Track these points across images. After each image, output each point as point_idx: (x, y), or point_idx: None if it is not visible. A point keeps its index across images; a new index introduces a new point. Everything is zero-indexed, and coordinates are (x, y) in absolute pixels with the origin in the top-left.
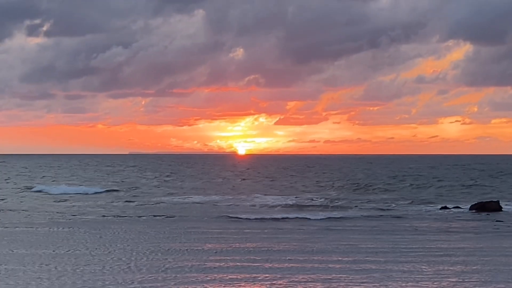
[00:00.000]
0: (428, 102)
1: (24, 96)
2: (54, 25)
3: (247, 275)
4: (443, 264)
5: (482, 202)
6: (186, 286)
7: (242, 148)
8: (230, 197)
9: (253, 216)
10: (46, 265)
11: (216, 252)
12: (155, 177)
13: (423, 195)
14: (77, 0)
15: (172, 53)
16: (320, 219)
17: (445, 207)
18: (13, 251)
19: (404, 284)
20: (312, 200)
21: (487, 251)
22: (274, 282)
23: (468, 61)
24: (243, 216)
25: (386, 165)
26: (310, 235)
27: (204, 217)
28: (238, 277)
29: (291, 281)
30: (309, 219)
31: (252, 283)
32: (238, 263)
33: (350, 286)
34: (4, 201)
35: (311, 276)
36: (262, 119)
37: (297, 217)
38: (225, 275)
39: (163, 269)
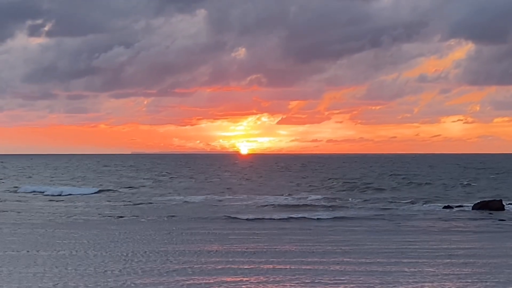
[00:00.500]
0: (430, 101)
1: (26, 96)
2: (56, 25)
3: (249, 278)
4: (449, 266)
5: (485, 201)
6: None
7: (244, 148)
8: (228, 197)
9: (252, 216)
10: (40, 266)
11: (216, 254)
12: (151, 177)
13: (425, 194)
14: (79, 0)
15: (174, 53)
16: (319, 218)
17: (448, 206)
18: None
19: (411, 287)
20: (312, 199)
21: (491, 251)
22: (277, 284)
23: (470, 60)
24: (242, 216)
25: (388, 164)
26: (312, 236)
27: (200, 217)
28: (242, 279)
29: (293, 283)
30: (311, 219)
31: (256, 285)
32: (240, 265)
33: None
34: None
35: (315, 277)
36: (265, 118)
37: (298, 217)
38: (226, 278)
39: (163, 271)
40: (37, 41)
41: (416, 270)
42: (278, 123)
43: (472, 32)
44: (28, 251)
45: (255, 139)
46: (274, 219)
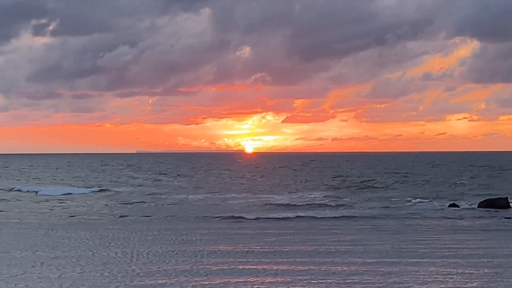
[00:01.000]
0: (435, 99)
1: (31, 95)
2: (61, 25)
3: (256, 279)
4: (457, 266)
5: (490, 199)
6: None
7: (249, 147)
8: (231, 196)
9: (258, 216)
10: (34, 267)
11: (224, 254)
12: (150, 176)
13: (430, 192)
14: None
15: (178, 52)
16: (325, 217)
17: (454, 205)
18: None
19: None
20: (316, 198)
21: (498, 250)
22: (293, 285)
23: (475, 58)
24: (249, 216)
25: (393, 162)
26: (320, 236)
27: (204, 217)
28: (247, 280)
29: (303, 284)
30: (317, 217)
31: (268, 285)
32: (245, 266)
33: None
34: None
35: (326, 278)
36: (270, 117)
37: (305, 216)
38: (230, 279)
39: (174, 272)
40: (41, 41)
41: (424, 270)
42: (283, 121)
43: (477, 30)
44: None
45: (260, 137)
46: (280, 218)
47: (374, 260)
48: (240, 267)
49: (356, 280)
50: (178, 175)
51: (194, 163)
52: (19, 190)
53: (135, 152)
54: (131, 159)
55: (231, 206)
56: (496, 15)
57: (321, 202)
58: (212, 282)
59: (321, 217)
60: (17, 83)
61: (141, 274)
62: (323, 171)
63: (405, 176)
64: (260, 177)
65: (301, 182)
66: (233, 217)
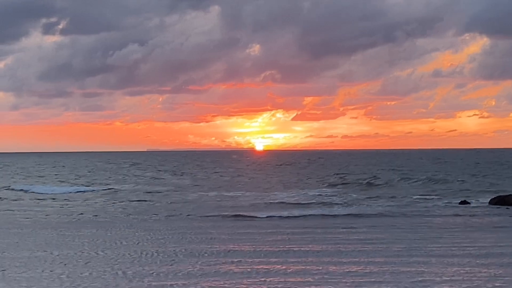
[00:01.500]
0: (445, 96)
1: (41, 94)
2: (70, 23)
3: (264, 279)
4: (473, 265)
5: (501, 196)
6: None
7: (259, 144)
8: (239, 194)
9: (269, 214)
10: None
11: (237, 254)
12: (154, 174)
13: (440, 189)
14: None
15: (187, 50)
16: (336, 215)
17: (465, 202)
18: None
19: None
20: (325, 195)
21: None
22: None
23: (485, 55)
24: (260, 214)
25: (402, 160)
26: (334, 235)
27: (211, 216)
28: (255, 280)
29: (320, 286)
30: (328, 215)
31: (284, 284)
32: (254, 266)
33: None
34: None
35: (339, 279)
36: (279, 114)
37: (317, 214)
38: (240, 280)
39: (181, 274)
40: (51, 39)
41: (443, 269)
42: (293, 119)
43: (486, 26)
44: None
45: (270, 135)
46: (292, 216)
47: (390, 259)
48: (256, 267)
49: (373, 280)
50: (183, 173)
51: (202, 161)
52: (12, 189)
53: (145, 150)
54: (140, 157)
55: (239, 204)
56: (506, 12)
57: (329, 200)
58: (236, 283)
59: (331, 215)
60: (28, 82)
61: (154, 274)
62: (331, 168)
63: (413, 173)
64: (269, 175)
65: (307, 179)
66: (243, 216)
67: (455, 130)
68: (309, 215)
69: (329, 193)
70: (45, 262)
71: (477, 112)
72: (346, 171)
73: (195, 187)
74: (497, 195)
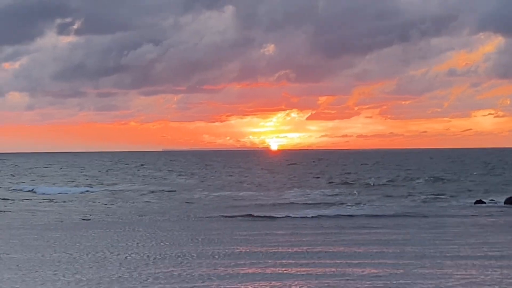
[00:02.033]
0: (460, 95)
1: (56, 94)
2: (85, 23)
3: (279, 283)
4: (493, 267)
5: None
6: None
7: (274, 144)
8: (251, 193)
9: (279, 215)
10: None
11: (257, 256)
12: (163, 174)
13: (453, 189)
14: None
15: (202, 50)
16: (353, 215)
17: (480, 201)
18: None
19: None
20: (338, 195)
21: None
22: None
23: (500, 54)
24: (267, 214)
25: (415, 159)
26: (355, 236)
27: (225, 216)
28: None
29: None
30: (341, 215)
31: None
32: (272, 268)
33: None
34: None
35: (361, 282)
36: (294, 114)
37: (333, 215)
38: (256, 283)
39: (189, 277)
40: (66, 40)
41: (466, 272)
42: (308, 118)
43: (501, 25)
44: None
45: (284, 135)
46: (308, 217)
47: (410, 262)
48: (280, 270)
49: (395, 282)
50: (192, 173)
51: (214, 161)
52: (20, 190)
53: (160, 150)
54: (154, 157)
55: (248, 204)
56: None
57: (340, 199)
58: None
59: (345, 215)
60: (42, 82)
61: (168, 276)
62: (343, 167)
63: (426, 172)
64: (278, 174)
65: (319, 178)
66: (256, 216)
67: (470, 129)
68: (324, 215)
69: (340, 193)
70: (59, 263)
71: (492, 111)
72: (359, 171)
73: (207, 187)
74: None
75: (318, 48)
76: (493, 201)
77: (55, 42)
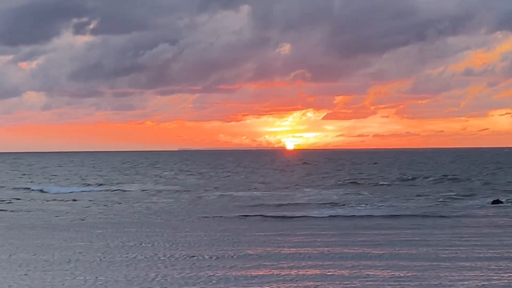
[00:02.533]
0: (477, 94)
1: (73, 94)
2: (101, 23)
3: (296, 284)
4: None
5: None
6: None
7: (290, 143)
8: (263, 193)
9: (292, 214)
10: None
11: (275, 257)
12: (175, 174)
13: (469, 189)
14: None
15: (218, 50)
16: (371, 216)
17: (497, 201)
18: None
19: None
20: (352, 195)
21: None
22: None
23: None
24: (280, 214)
25: (430, 160)
26: (372, 237)
27: (238, 216)
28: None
29: None
30: (357, 216)
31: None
32: (287, 271)
33: None
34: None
35: (380, 284)
36: (310, 114)
37: (348, 216)
38: (274, 284)
39: (204, 279)
40: (83, 39)
41: (486, 275)
42: (324, 118)
43: None
44: None
45: (300, 134)
46: (323, 216)
47: (428, 263)
48: (276, 272)
49: (412, 285)
50: (204, 173)
51: (229, 161)
52: (29, 189)
53: (176, 149)
54: (171, 156)
55: (263, 204)
56: None
57: (357, 198)
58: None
59: (361, 215)
60: (59, 82)
61: (186, 277)
62: (360, 168)
63: (441, 173)
64: (293, 173)
65: (332, 178)
66: (271, 216)
67: (487, 128)
68: (339, 215)
69: (355, 192)
70: (69, 263)
71: (509, 111)
72: (373, 170)
73: (220, 186)
74: None
75: (334, 47)
76: (510, 201)
77: (71, 42)
